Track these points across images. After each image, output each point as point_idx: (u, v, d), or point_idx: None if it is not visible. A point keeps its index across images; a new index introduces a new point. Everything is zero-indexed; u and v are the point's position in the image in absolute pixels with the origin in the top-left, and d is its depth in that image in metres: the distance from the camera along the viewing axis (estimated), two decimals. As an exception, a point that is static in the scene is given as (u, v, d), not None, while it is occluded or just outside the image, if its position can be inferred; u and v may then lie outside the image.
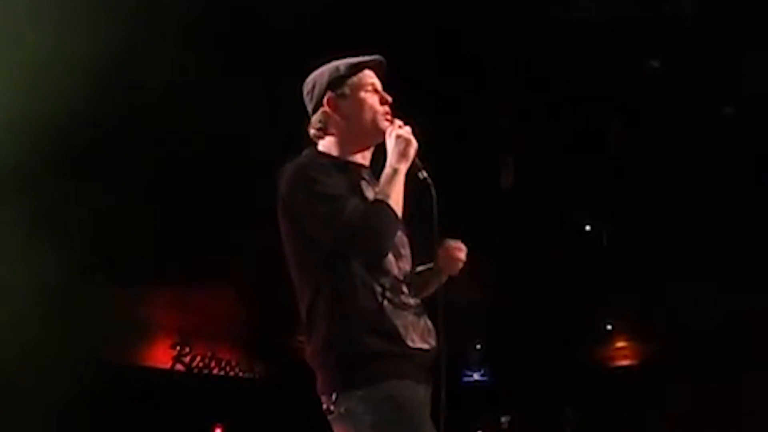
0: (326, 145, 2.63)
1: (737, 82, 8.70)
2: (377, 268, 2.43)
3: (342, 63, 2.65)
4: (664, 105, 9.28)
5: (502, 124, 9.79)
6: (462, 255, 2.74)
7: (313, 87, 2.67)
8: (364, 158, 2.66)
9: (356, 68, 2.64)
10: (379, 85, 2.66)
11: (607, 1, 8.05)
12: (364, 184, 2.53)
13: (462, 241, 2.73)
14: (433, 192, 2.51)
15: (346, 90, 2.62)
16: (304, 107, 2.72)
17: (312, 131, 2.66)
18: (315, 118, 2.65)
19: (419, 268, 2.72)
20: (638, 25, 8.18)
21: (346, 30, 6.96)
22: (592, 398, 11.99)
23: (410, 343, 2.38)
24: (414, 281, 2.61)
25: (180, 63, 6.63)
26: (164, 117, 7.25)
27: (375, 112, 2.61)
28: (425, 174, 2.53)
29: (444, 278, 2.72)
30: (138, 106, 7.15)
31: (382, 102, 2.63)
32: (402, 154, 2.48)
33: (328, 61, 2.73)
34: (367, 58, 2.67)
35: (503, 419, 11.56)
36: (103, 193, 7.66)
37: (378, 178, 2.51)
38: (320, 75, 2.67)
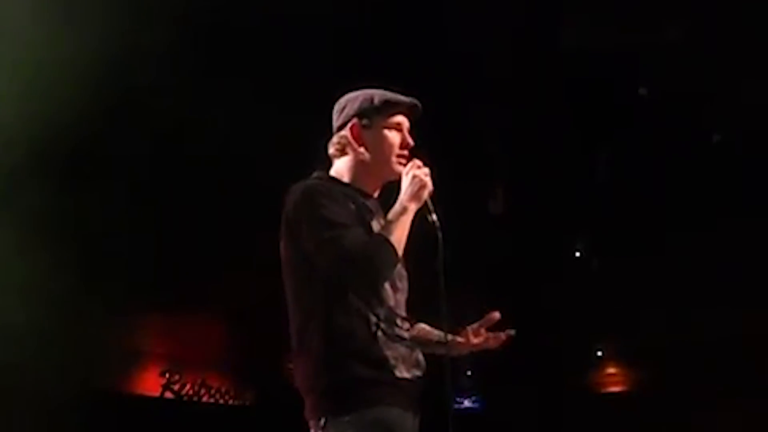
0: (338, 170, 2.65)
1: (726, 108, 8.76)
2: (374, 298, 2.43)
3: (378, 95, 2.65)
4: (653, 131, 9.34)
5: (492, 150, 9.83)
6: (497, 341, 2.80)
7: (344, 108, 2.68)
8: (373, 189, 2.67)
9: (390, 107, 2.64)
10: (406, 126, 2.67)
11: (597, 28, 8.12)
12: (370, 215, 2.54)
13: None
14: (441, 236, 2.52)
15: (373, 122, 2.62)
16: (330, 122, 2.73)
17: (331, 149, 2.68)
18: (335, 139, 2.67)
19: (428, 327, 2.75)
20: (627, 52, 8.26)
21: (342, 51, 7.02)
22: (583, 424, 11.93)
23: (397, 374, 2.39)
24: (419, 335, 2.66)
25: (181, 65, 6.65)
26: (157, 142, 7.27)
27: (392, 153, 2.62)
28: (435, 218, 2.54)
29: (455, 353, 2.75)
30: (132, 123, 7.17)
31: (403, 145, 2.64)
32: (415, 195, 2.49)
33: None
34: (403, 99, 2.67)
35: (494, 446, 11.48)
36: (92, 220, 7.64)
37: (387, 212, 2.52)
38: (354, 99, 2.68)
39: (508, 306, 2.95)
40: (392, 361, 2.39)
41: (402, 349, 2.45)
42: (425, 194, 2.51)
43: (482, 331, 2.78)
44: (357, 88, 2.74)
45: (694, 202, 9.96)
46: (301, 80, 6.82)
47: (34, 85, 5.89)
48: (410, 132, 2.68)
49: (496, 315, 2.77)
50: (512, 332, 2.78)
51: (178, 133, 7.22)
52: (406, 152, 2.63)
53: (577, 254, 12.37)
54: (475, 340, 2.77)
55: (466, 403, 13.34)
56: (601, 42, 8.29)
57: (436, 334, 2.72)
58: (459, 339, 2.74)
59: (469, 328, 2.78)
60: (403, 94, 2.71)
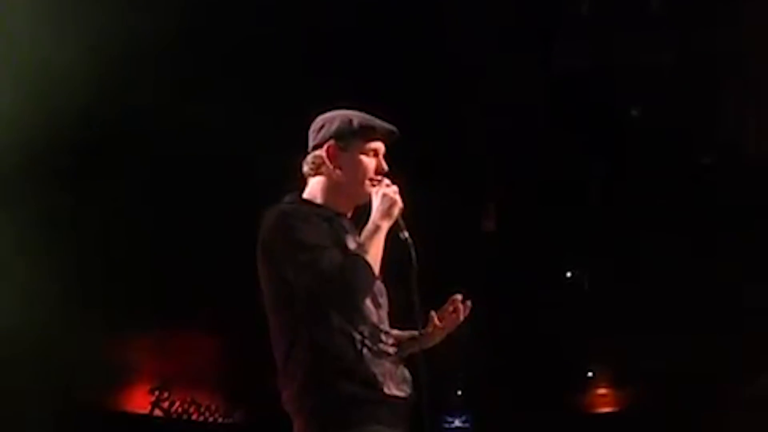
0: (312, 191, 2.65)
1: (716, 132, 8.81)
2: (357, 315, 2.45)
3: (356, 118, 2.64)
4: (645, 153, 9.39)
5: (485, 170, 9.85)
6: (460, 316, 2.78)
7: (321, 128, 2.67)
8: (346, 211, 2.67)
9: (368, 132, 2.64)
10: (381, 151, 2.67)
11: (590, 52, 8.16)
12: (345, 234, 2.55)
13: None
14: (413, 253, 2.54)
15: (349, 146, 2.62)
16: (306, 140, 2.73)
17: (305, 168, 2.69)
18: (310, 158, 2.67)
19: (398, 331, 2.73)
20: (620, 75, 8.30)
21: (337, 68, 7.03)
22: (574, 445, 11.93)
23: (386, 390, 2.41)
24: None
25: (182, 66, 6.65)
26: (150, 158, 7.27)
27: (366, 177, 2.62)
28: (407, 234, 2.56)
29: (427, 344, 2.74)
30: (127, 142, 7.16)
31: (378, 170, 2.64)
32: (386, 213, 2.51)
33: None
34: (382, 124, 2.67)
35: (485, 466, 11.47)
36: (84, 236, 7.62)
37: (360, 231, 2.53)
38: (332, 119, 2.67)
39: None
40: (380, 378, 2.40)
41: (388, 365, 2.46)
42: (396, 211, 2.53)
43: (446, 314, 2.77)
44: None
45: (686, 225, 9.99)
46: (308, 85, 6.79)
47: (34, 86, 5.89)
48: (385, 157, 2.68)
49: (459, 297, 2.76)
50: (469, 303, 2.77)
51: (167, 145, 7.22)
52: (379, 177, 2.63)
53: (568, 275, 12.39)
54: (440, 324, 2.76)
55: (457, 423, 13.30)
56: (595, 63, 8.34)
57: (407, 334, 2.72)
58: (428, 330, 2.74)
59: (434, 314, 2.76)
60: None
